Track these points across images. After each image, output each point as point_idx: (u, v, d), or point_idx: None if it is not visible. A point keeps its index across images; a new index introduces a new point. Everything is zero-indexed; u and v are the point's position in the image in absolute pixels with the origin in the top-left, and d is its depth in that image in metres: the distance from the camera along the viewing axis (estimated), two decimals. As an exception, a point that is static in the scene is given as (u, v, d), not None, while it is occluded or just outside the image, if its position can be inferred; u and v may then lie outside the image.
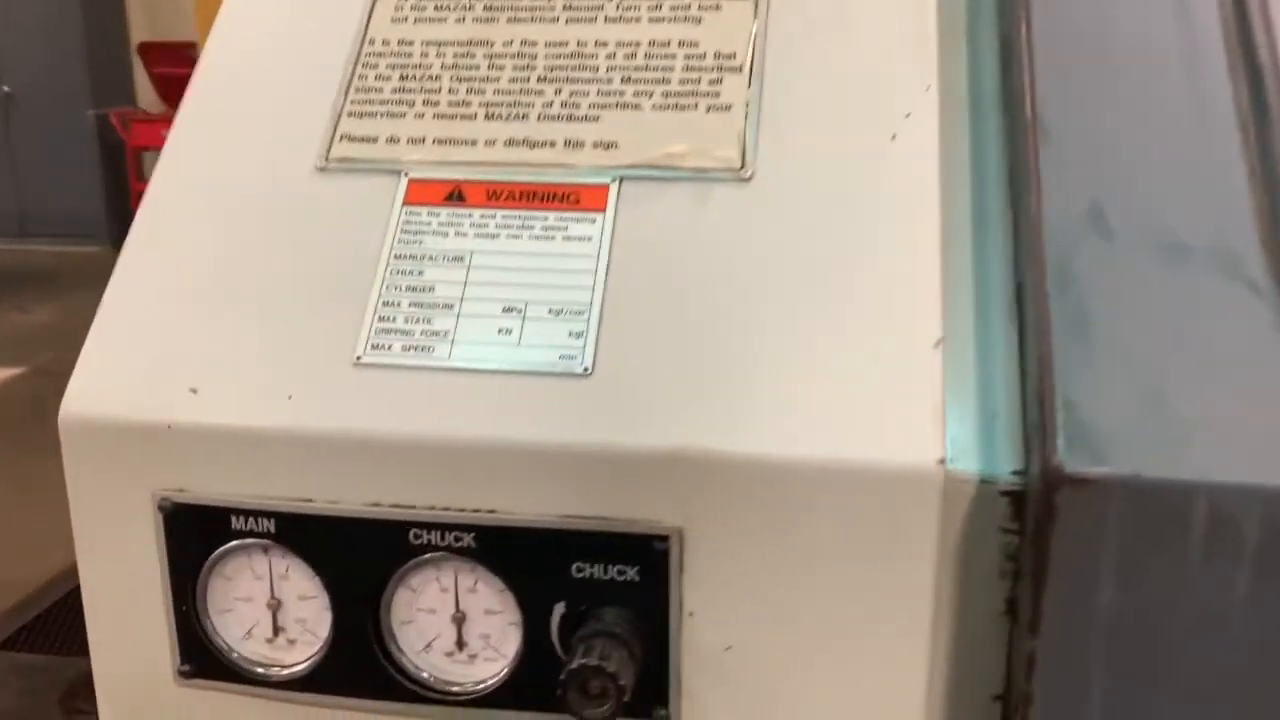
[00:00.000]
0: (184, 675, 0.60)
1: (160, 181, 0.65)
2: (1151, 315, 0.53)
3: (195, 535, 0.58)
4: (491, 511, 0.55)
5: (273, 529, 0.57)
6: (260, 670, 0.59)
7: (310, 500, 0.57)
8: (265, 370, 0.58)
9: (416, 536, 0.56)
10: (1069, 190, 0.57)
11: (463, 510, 0.55)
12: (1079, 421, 0.51)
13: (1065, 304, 0.54)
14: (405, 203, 0.61)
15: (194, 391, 0.57)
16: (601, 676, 0.51)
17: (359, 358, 0.57)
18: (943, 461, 0.51)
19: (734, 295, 0.57)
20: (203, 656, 0.59)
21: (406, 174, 0.62)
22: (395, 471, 0.56)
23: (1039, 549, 0.52)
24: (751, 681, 0.55)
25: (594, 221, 0.59)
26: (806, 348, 0.55)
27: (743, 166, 0.60)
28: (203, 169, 0.65)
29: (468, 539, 0.55)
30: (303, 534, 0.57)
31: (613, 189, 0.60)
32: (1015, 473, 0.54)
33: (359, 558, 0.56)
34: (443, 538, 0.56)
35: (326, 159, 0.63)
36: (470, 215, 0.61)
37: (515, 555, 0.55)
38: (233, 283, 0.60)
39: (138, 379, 0.58)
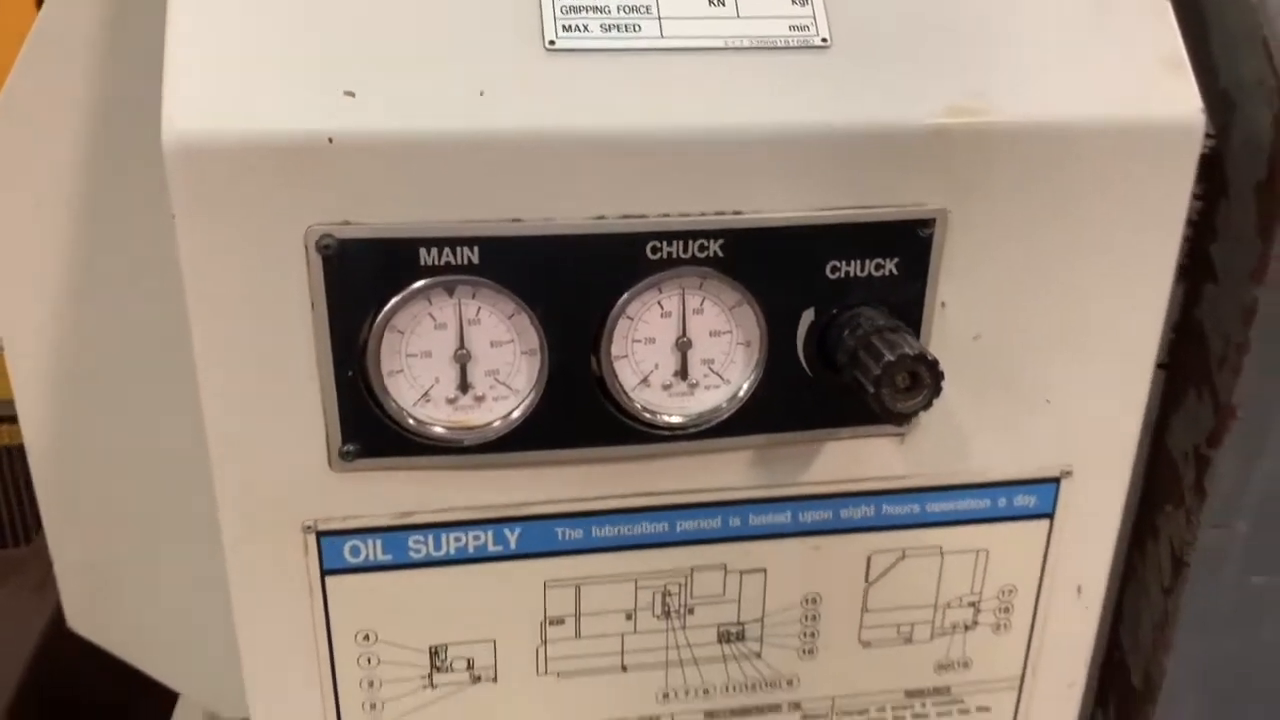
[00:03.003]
0: (347, 458, 0.49)
1: None
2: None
3: (367, 278, 0.46)
4: (738, 213, 0.48)
5: (475, 259, 0.46)
6: (445, 438, 0.49)
7: (519, 220, 0.46)
8: (437, 64, 0.45)
9: (655, 250, 0.48)
10: None
11: (704, 214, 0.48)
12: (1316, 64, 0.52)
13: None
14: None
15: (350, 95, 0.44)
16: (924, 364, 0.46)
17: (551, 42, 0.47)
18: (1203, 111, 0.50)
19: (948, -45, 0.51)
20: (372, 431, 0.49)
21: None
22: (623, 175, 0.46)
23: (1272, 198, 0.52)
24: (995, 368, 0.53)
25: None
26: (1041, 6, 0.51)
27: None
28: None
29: (714, 247, 0.48)
30: (514, 262, 0.47)
31: None
32: (1210, 135, 0.54)
33: (583, 283, 0.47)
34: (685, 248, 0.48)
35: None
36: None
37: (766, 260, 0.49)
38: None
39: (270, 83, 0.44)
